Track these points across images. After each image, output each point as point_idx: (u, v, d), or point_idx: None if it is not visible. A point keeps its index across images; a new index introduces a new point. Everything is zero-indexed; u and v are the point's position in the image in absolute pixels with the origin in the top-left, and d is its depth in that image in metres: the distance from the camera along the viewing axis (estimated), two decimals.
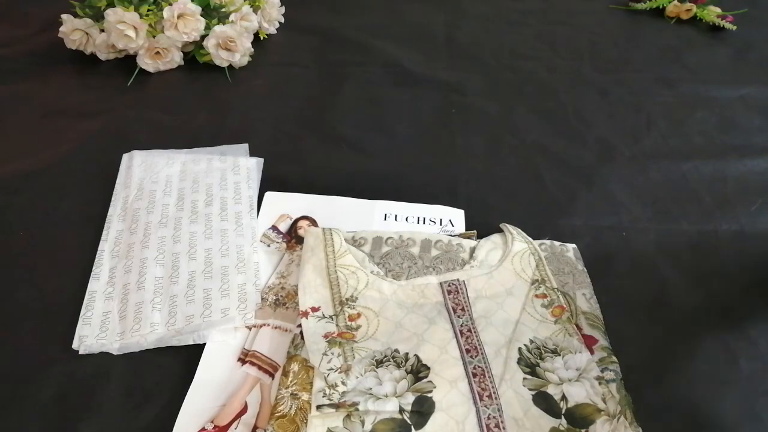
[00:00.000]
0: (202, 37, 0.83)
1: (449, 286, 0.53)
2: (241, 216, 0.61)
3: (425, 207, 0.64)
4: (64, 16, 0.81)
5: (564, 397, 0.46)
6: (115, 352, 0.50)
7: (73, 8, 0.83)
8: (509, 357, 0.48)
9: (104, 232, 0.59)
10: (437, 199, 0.65)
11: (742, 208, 0.67)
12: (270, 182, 0.66)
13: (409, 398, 0.44)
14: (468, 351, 0.48)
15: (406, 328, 0.50)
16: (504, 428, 0.43)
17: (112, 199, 0.63)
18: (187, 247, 0.57)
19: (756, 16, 1.04)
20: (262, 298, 0.54)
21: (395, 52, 0.91)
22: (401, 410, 0.44)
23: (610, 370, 0.48)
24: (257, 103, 0.80)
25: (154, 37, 0.81)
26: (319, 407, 0.43)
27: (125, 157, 0.68)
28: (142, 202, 0.62)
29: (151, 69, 0.83)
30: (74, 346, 0.50)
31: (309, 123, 0.77)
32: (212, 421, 0.45)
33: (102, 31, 0.81)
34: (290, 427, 0.44)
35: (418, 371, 0.46)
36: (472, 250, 0.57)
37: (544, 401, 0.45)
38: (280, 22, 0.94)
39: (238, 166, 0.67)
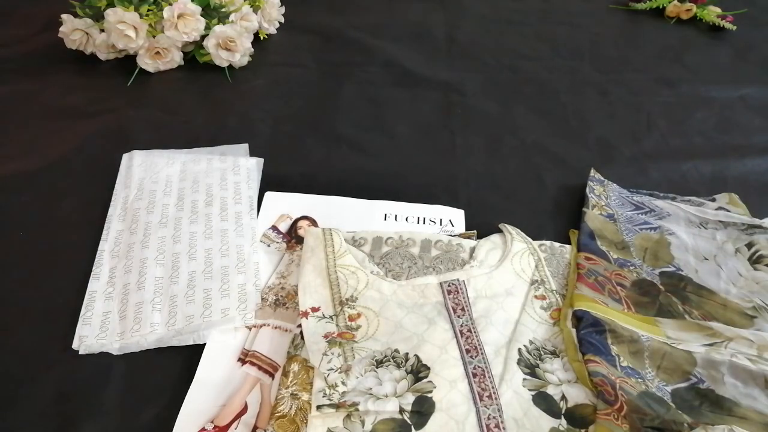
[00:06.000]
0: (202, 37, 0.83)
1: (449, 286, 0.53)
2: (241, 216, 0.61)
3: (425, 207, 0.64)
4: (64, 16, 0.81)
5: (564, 398, 0.46)
6: (115, 352, 0.50)
7: (73, 8, 0.83)
8: (509, 357, 0.48)
9: (104, 232, 0.59)
10: (437, 199, 0.65)
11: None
12: (270, 182, 0.66)
13: (409, 398, 0.44)
14: (468, 351, 0.48)
15: (406, 328, 0.50)
16: (504, 428, 0.43)
17: (112, 199, 0.63)
18: (187, 247, 0.57)
19: (756, 16, 1.04)
20: (262, 298, 0.54)
21: (395, 52, 0.91)
22: (401, 410, 0.44)
23: None
24: (257, 103, 0.80)
25: (154, 37, 0.81)
26: (319, 407, 0.43)
27: (125, 157, 0.68)
28: (142, 202, 0.62)
29: (151, 69, 0.83)
30: (74, 346, 0.50)
31: (309, 123, 0.77)
32: (212, 421, 0.45)
33: (102, 31, 0.81)
34: (290, 427, 0.44)
35: (418, 371, 0.46)
36: (472, 250, 0.57)
37: (543, 401, 0.46)
38: (280, 22, 0.94)
39: (238, 166, 0.67)
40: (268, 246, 0.59)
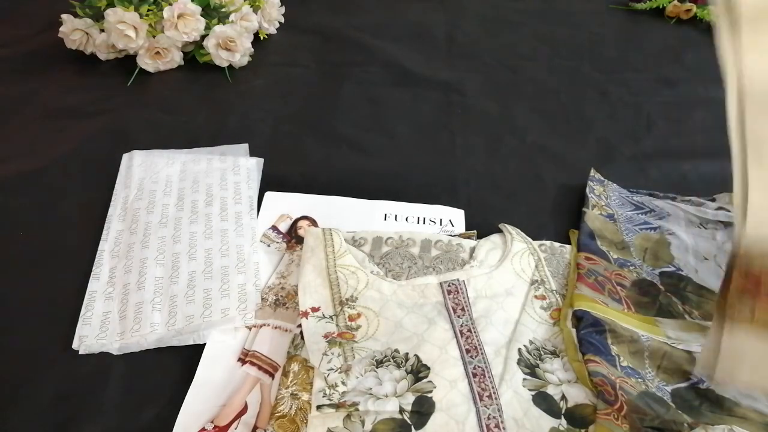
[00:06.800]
0: (202, 37, 0.83)
1: (449, 286, 0.53)
2: (241, 216, 0.61)
3: (425, 207, 0.64)
4: (64, 16, 0.81)
5: (564, 398, 0.46)
6: (115, 352, 0.50)
7: (73, 8, 0.83)
8: (509, 357, 0.48)
9: (104, 232, 0.59)
10: (437, 199, 0.65)
11: None
12: (270, 182, 0.66)
13: (409, 398, 0.44)
14: (468, 351, 0.48)
15: (406, 328, 0.50)
16: (504, 428, 0.43)
17: (112, 199, 0.63)
18: (187, 247, 0.57)
19: None
20: (262, 298, 0.54)
21: (395, 52, 0.91)
22: (401, 410, 0.44)
23: None
24: (257, 103, 0.80)
25: (154, 37, 0.81)
26: (319, 407, 0.43)
27: (125, 157, 0.68)
28: (142, 202, 0.62)
29: (151, 69, 0.83)
30: (74, 346, 0.50)
31: (309, 123, 0.77)
32: (212, 421, 0.45)
33: (102, 31, 0.81)
34: (290, 427, 0.44)
35: (418, 371, 0.46)
36: (472, 250, 0.57)
37: (543, 401, 0.45)
38: (280, 22, 0.94)
39: (238, 166, 0.67)
40: (268, 246, 0.59)
